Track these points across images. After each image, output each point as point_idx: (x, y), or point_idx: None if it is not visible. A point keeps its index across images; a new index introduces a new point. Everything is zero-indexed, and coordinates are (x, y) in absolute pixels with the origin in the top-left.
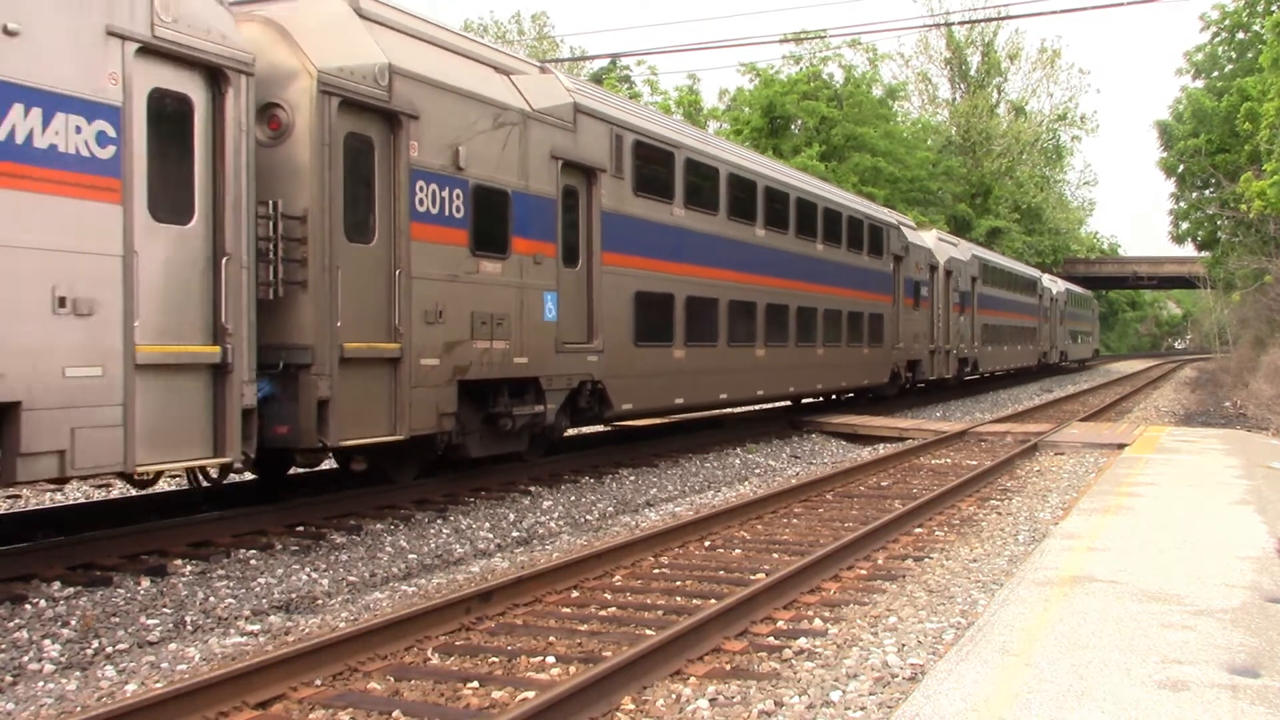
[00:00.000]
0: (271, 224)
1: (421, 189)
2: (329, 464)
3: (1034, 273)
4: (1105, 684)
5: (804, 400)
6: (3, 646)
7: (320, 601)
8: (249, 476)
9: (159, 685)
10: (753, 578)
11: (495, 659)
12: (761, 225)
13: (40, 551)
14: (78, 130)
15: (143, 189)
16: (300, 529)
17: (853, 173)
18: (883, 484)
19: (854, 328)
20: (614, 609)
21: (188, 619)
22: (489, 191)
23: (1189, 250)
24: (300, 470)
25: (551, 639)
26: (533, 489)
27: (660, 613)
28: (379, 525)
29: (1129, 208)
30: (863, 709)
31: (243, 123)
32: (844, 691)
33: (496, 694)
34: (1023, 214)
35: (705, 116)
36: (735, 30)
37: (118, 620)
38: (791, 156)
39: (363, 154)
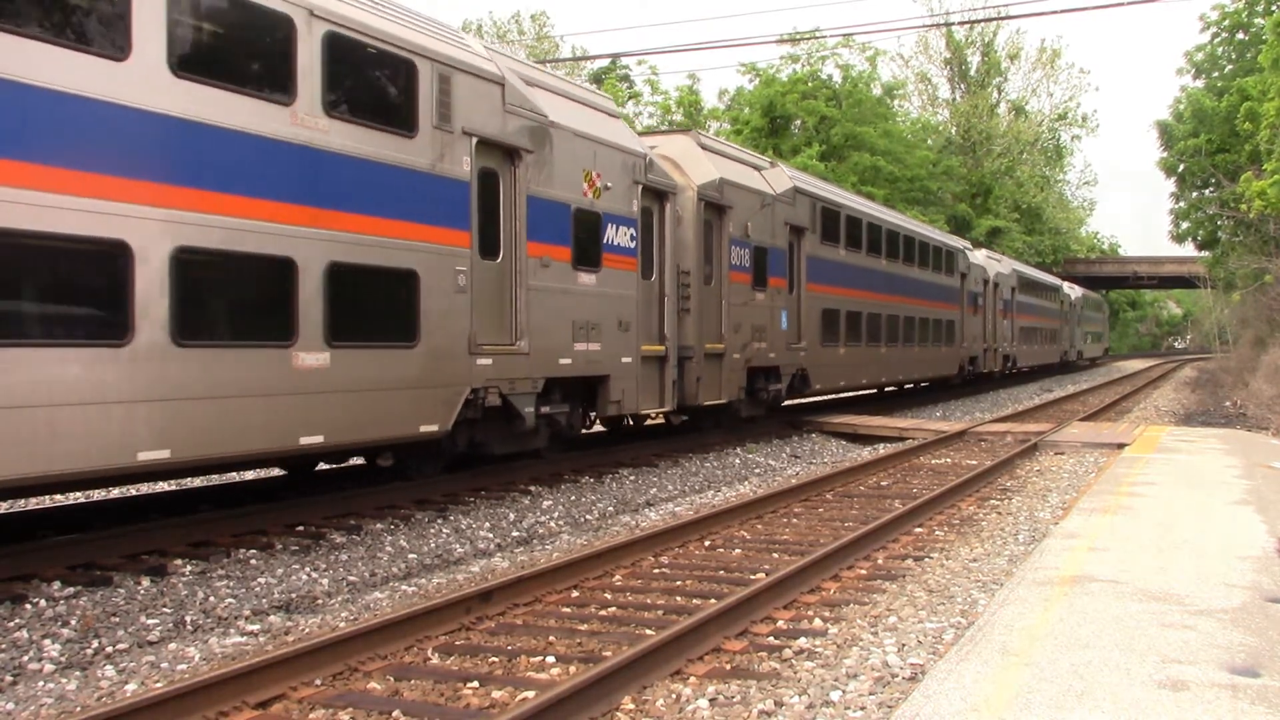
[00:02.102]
0: (677, 276)
1: (733, 250)
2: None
3: (1057, 281)
4: (1105, 684)
5: (895, 386)
6: (3, 646)
7: (320, 601)
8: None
9: (159, 685)
10: (753, 577)
11: (495, 659)
12: (884, 257)
13: (40, 551)
14: (624, 234)
15: (640, 262)
16: (300, 529)
17: (852, 172)
18: (883, 484)
19: (936, 331)
20: (614, 609)
21: (188, 619)
22: (759, 249)
23: (1189, 250)
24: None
25: (551, 639)
26: (533, 489)
27: (660, 612)
28: (379, 525)
29: (1129, 208)
30: (863, 709)
31: (673, 220)
32: (844, 691)
33: (496, 694)
34: (1023, 214)
35: (705, 117)
36: (735, 30)
37: (118, 620)
38: (791, 156)
39: (709, 233)
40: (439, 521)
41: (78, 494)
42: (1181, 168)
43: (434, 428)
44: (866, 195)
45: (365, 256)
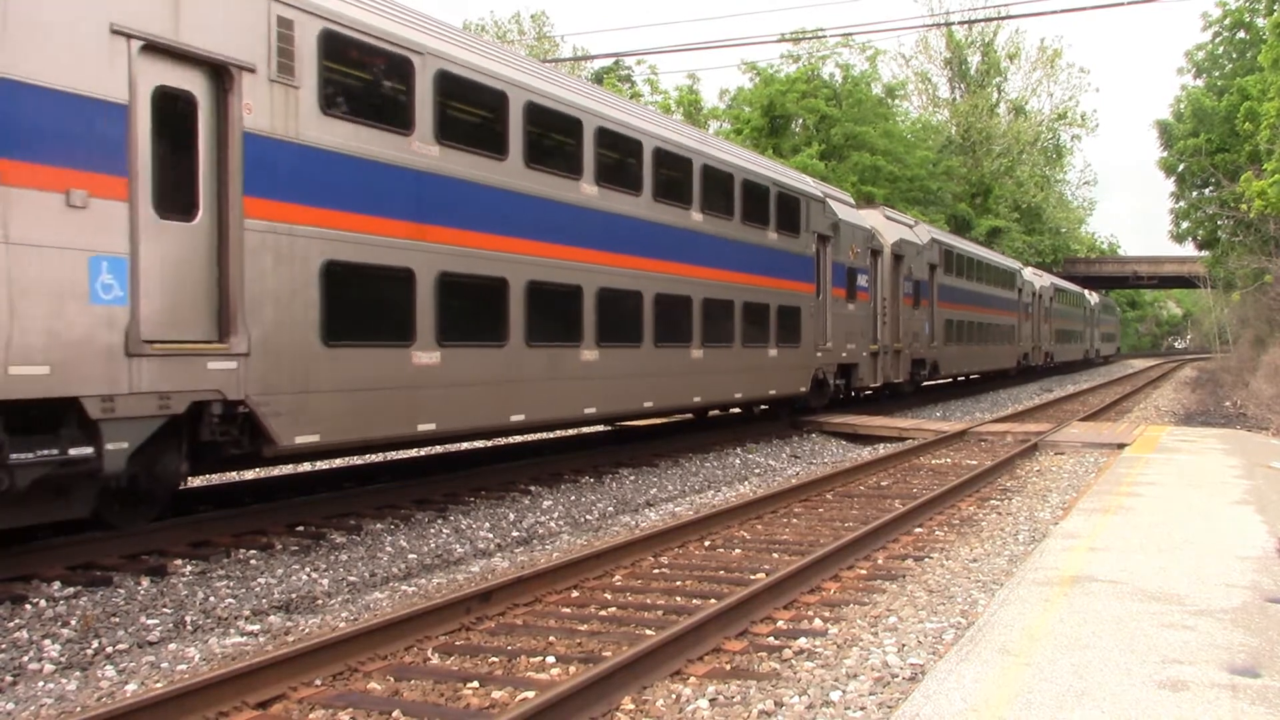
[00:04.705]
0: (882, 301)
1: (904, 284)
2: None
3: (1082, 290)
4: (1105, 684)
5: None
6: (3, 646)
7: (320, 601)
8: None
9: (159, 685)
10: (753, 577)
11: (495, 659)
12: (976, 281)
13: (40, 551)
14: (863, 278)
15: (870, 294)
16: (300, 529)
17: (852, 172)
18: (883, 484)
19: (1004, 334)
20: (614, 609)
21: (188, 619)
22: (916, 282)
23: (1189, 250)
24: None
25: (551, 639)
26: (533, 489)
27: (660, 613)
28: (379, 525)
29: (1129, 208)
30: (863, 709)
31: (881, 267)
32: (844, 691)
33: (496, 694)
34: (1023, 213)
35: (705, 116)
36: (735, 30)
37: (118, 620)
38: (791, 156)
39: (894, 273)
40: (439, 521)
41: None
42: (1181, 167)
43: (803, 389)
44: (867, 195)
45: (788, 300)
